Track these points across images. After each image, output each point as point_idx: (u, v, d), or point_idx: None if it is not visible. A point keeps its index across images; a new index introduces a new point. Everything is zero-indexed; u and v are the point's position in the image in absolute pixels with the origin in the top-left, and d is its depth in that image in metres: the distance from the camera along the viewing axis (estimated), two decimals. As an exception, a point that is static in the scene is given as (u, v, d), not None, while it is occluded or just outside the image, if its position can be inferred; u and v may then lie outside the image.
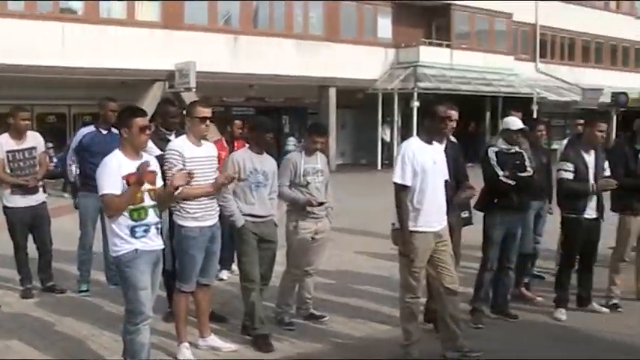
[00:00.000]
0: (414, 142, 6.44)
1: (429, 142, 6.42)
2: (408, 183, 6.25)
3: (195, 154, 6.35)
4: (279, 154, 10.58)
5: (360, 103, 32.70)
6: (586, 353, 6.89)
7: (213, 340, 6.76)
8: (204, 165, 6.41)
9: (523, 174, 7.65)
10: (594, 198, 7.95)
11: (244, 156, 6.99)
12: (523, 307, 8.30)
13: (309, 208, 7.37)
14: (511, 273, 7.98)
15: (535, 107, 35.18)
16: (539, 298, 8.64)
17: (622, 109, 38.41)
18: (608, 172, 8.07)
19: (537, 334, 7.50)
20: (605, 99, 38.20)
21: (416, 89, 30.63)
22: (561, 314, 8.00)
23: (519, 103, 30.41)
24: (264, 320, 6.92)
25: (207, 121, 6.47)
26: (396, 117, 32.22)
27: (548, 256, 9.58)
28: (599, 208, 8.03)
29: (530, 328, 7.66)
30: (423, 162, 6.27)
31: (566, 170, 7.86)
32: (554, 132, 30.85)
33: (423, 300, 6.92)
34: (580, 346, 7.11)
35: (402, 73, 32.50)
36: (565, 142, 9.78)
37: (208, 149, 6.58)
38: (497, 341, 7.13)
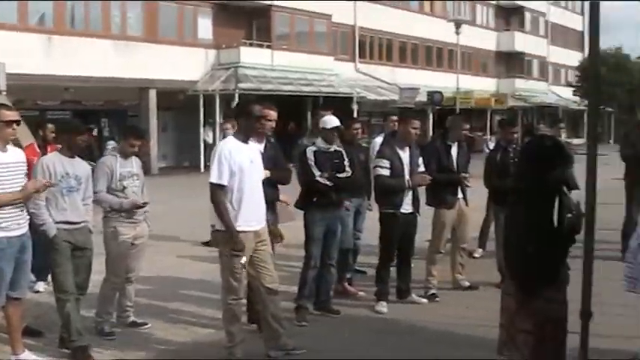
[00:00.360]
0: (230, 142, 6.36)
1: (245, 142, 6.37)
2: (225, 182, 6.16)
3: (1, 160, 5.99)
4: (99, 157, 10.20)
5: (181, 104, 32.27)
6: (408, 344, 7.06)
7: (28, 356, 6.39)
8: (12, 171, 6.06)
9: (341, 174, 7.76)
10: (410, 193, 8.19)
11: (54, 160, 6.67)
12: (346, 303, 8.43)
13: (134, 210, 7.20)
14: (333, 269, 8.07)
15: (355, 106, 36.07)
16: (361, 293, 8.80)
17: (437, 107, 40.20)
18: (422, 168, 8.35)
19: (360, 328, 7.61)
20: (422, 98, 39.81)
21: (237, 90, 30.54)
22: (382, 307, 8.18)
23: (340, 103, 31.29)
24: (81, 331, 6.63)
25: (14, 125, 6.13)
26: (218, 118, 32.05)
27: (369, 252, 9.76)
28: (415, 202, 8.29)
29: (353, 323, 7.77)
30: (240, 161, 6.20)
31: (382, 167, 8.05)
32: (374, 130, 31.76)
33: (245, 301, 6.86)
34: (402, 337, 7.29)
35: (223, 74, 32.40)
36: (377, 139, 9.98)
37: (16, 155, 6.23)
38: (321, 337, 7.18)
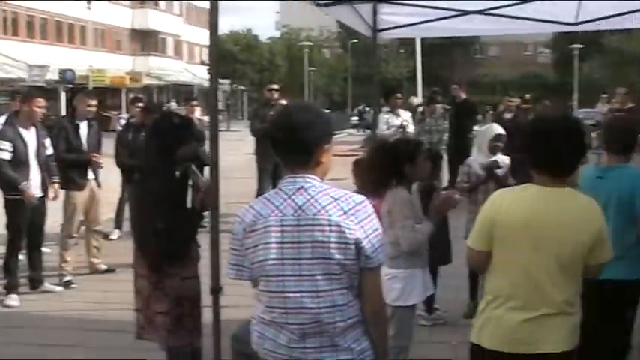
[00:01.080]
0: None
1: None
2: None
3: None
4: None
5: None
6: (42, 335, 6.72)
7: None
8: None
9: None
10: (37, 176, 7.79)
11: None
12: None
13: None
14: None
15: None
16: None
17: (70, 85, 39.19)
18: (50, 150, 8.01)
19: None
20: (53, 75, 38.58)
21: None
22: (13, 300, 7.72)
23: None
24: None
25: None
26: None
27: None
28: (43, 186, 7.90)
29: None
30: None
31: (2, 150, 7.57)
32: (4, 110, 30.09)
33: None
34: (36, 330, 6.91)
35: None
36: (1, 119, 9.40)
37: None
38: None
